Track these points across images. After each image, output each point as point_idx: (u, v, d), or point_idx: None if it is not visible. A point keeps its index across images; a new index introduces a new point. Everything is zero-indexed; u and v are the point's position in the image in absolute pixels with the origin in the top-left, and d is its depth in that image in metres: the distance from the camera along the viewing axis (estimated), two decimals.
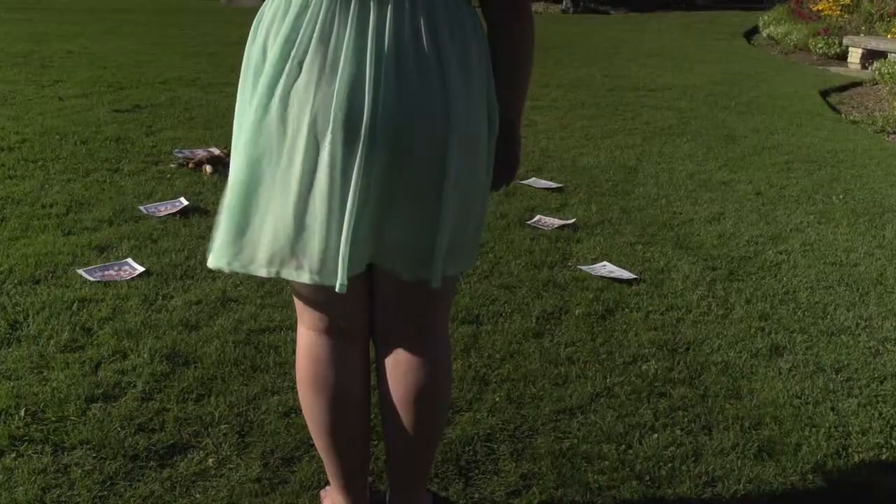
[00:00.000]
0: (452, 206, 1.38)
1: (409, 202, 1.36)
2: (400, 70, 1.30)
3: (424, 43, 1.32)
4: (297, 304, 1.56)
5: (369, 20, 1.30)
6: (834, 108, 6.82)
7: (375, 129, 1.30)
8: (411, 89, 1.31)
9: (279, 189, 1.36)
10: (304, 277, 1.39)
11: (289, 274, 1.40)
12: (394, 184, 1.34)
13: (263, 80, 1.35)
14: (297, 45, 1.32)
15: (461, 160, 1.37)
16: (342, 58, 1.30)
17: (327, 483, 1.75)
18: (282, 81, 1.33)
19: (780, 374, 2.44)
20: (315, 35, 1.31)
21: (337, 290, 1.36)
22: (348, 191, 1.32)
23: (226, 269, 1.44)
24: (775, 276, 3.17)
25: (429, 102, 1.32)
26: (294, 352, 1.61)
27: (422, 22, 1.32)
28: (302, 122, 1.32)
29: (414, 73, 1.31)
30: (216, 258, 1.44)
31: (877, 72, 7.91)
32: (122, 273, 2.89)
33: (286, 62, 1.32)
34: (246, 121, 1.38)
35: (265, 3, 1.40)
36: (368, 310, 1.54)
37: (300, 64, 1.31)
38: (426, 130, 1.33)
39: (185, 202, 3.62)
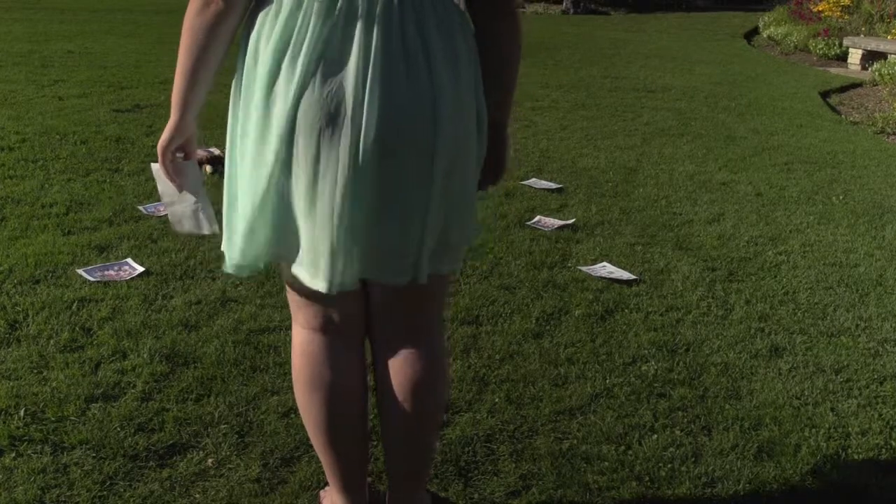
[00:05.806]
0: (440, 206, 1.38)
1: (397, 204, 1.36)
2: (388, 70, 1.29)
3: (413, 41, 1.31)
4: (292, 302, 1.56)
5: (357, 20, 1.29)
6: (834, 110, 6.82)
7: (362, 129, 1.29)
8: (399, 90, 1.30)
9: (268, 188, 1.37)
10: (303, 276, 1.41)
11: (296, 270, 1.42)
12: (382, 185, 1.33)
13: (258, 82, 1.33)
14: (290, 45, 1.30)
15: (449, 161, 1.36)
16: (334, 56, 1.29)
17: (326, 483, 1.75)
18: (276, 82, 1.31)
19: (779, 374, 2.44)
20: (308, 34, 1.29)
21: (324, 290, 1.38)
22: (336, 192, 1.32)
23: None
24: (775, 276, 3.17)
25: (416, 103, 1.31)
26: None
27: (411, 20, 1.31)
28: (299, 122, 1.31)
29: (402, 73, 1.30)
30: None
31: (877, 73, 7.91)
32: (121, 273, 2.89)
33: (280, 63, 1.30)
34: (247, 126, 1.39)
35: (257, 8, 1.38)
36: (363, 308, 1.54)
37: (295, 64, 1.30)
38: (414, 131, 1.32)
39: None
